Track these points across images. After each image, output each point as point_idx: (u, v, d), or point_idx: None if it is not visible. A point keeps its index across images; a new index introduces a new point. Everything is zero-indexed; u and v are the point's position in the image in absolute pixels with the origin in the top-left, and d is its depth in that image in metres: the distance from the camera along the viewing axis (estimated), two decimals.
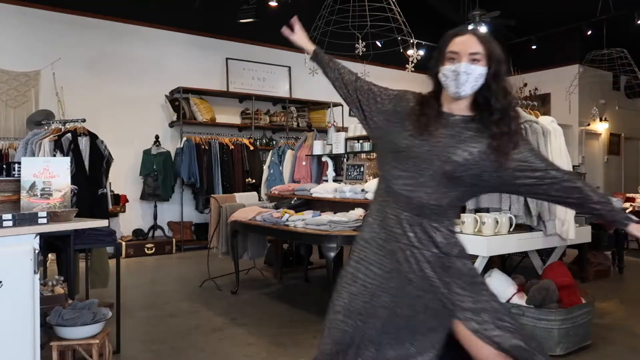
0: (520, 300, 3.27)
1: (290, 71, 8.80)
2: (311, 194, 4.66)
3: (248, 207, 4.86)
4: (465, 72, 1.55)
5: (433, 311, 1.62)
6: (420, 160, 1.59)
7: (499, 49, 1.59)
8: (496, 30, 9.03)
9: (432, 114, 1.61)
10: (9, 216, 2.11)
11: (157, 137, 7.32)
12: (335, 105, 8.68)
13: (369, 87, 1.79)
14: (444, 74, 1.58)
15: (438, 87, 1.64)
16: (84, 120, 4.31)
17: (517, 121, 1.61)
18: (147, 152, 7.23)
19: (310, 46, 1.94)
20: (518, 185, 1.64)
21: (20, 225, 2.13)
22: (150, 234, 7.32)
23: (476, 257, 3.18)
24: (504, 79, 1.60)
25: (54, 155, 3.88)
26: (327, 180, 5.32)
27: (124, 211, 7.07)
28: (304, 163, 6.06)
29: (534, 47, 9.50)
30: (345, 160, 5.39)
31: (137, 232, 7.18)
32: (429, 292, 1.61)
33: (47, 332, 2.54)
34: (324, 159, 5.60)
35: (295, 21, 1.96)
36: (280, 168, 6.51)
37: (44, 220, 2.24)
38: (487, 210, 3.40)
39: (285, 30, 1.96)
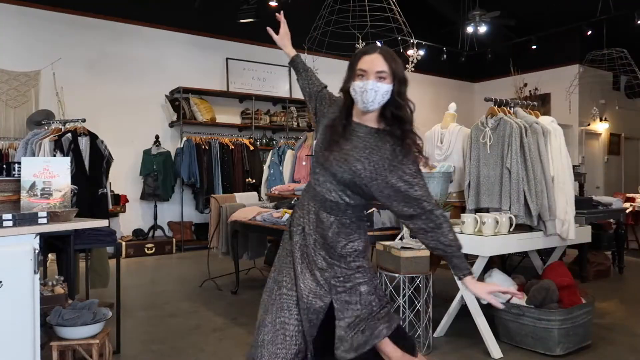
0: (520, 300, 3.27)
1: (291, 71, 8.77)
2: None
3: (248, 207, 4.85)
4: (373, 90, 1.73)
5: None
6: (324, 164, 1.81)
7: (402, 68, 1.79)
8: (496, 30, 9.04)
9: (340, 128, 1.82)
10: (9, 216, 2.11)
11: (157, 137, 7.32)
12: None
13: (327, 96, 2.06)
14: (353, 89, 1.76)
15: (351, 100, 1.81)
16: (84, 120, 4.32)
17: (414, 138, 1.79)
18: (147, 152, 7.23)
19: (291, 51, 2.19)
20: (392, 206, 1.81)
21: (20, 225, 2.13)
22: (151, 234, 7.32)
23: (476, 257, 3.18)
24: (406, 97, 1.80)
25: (54, 155, 3.88)
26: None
27: (124, 211, 7.08)
28: (304, 163, 6.06)
29: (534, 47, 9.50)
30: None
31: (137, 232, 7.18)
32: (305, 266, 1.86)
33: (47, 332, 2.54)
34: None
35: (282, 20, 2.18)
36: (281, 168, 6.51)
37: (44, 220, 2.24)
38: (487, 210, 3.41)
39: (269, 30, 2.10)
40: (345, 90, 1.82)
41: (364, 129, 1.81)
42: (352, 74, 1.78)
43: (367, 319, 1.80)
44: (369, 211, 3.67)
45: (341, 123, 1.83)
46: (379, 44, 7.18)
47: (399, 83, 1.76)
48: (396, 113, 1.78)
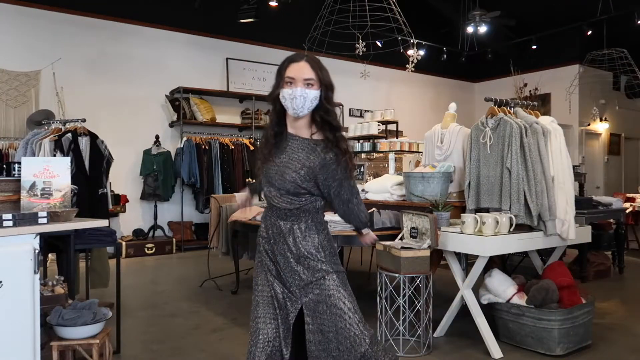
0: (520, 300, 3.27)
1: None
2: None
3: (248, 207, 4.84)
4: (302, 96, 1.81)
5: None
6: (270, 178, 1.89)
7: (328, 75, 1.88)
8: (496, 30, 9.04)
9: (272, 136, 1.91)
10: (9, 216, 2.11)
11: (157, 137, 7.32)
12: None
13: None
14: (283, 96, 1.84)
15: (281, 107, 1.88)
16: (84, 120, 4.32)
17: (345, 141, 1.90)
18: (147, 152, 7.23)
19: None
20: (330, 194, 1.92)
21: (21, 225, 2.13)
22: (151, 234, 7.32)
23: (476, 257, 3.18)
24: (334, 102, 1.90)
25: (54, 155, 3.88)
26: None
27: (124, 211, 7.08)
28: None
29: (534, 47, 9.50)
30: None
31: (137, 232, 7.19)
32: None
33: (48, 332, 2.54)
34: None
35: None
36: None
37: (44, 220, 2.24)
38: (487, 211, 3.40)
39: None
40: (274, 96, 1.88)
41: (298, 141, 1.88)
42: (280, 82, 1.86)
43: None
44: (369, 211, 3.67)
45: (272, 130, 1.91)
46: (379, 44, 7.19)
47: (326, 89, 1.85)
48: (325, 118, 1.86)
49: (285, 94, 1.82)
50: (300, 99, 1.80)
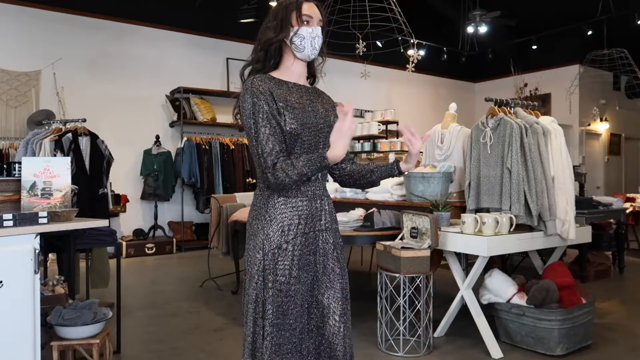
0: (520, 300, 3.27)
1: None
2: None
3: (248, 207, 4.85)
4: (319, 36, 1.65)
5: None
6: (319, 140, 1.67)
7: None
8: (496, 31, 9.04)
9: (292, 91, 1.65)
10: (10, 216, 2.11)
11: (157, 137, 7.33)
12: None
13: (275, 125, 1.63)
14: (300, 36, 1.63)
15: (277, 58, 1.67)
16: (84, 120, 4.32)
17: None
18: (147, 152, 7.23)
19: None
20: None
21: (21, 225, 2.13)
22: (151, 234, 7.33)
23: (476, 257, 3.18)
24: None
25: (55, 155, 3.88)
26: (327, 180, 5.32)
27: (125, 211, 7.08)
28: None
29: (534, 47, 9.50)
30: None
31: (138, 232, 7.19)
32: None
33: (48, 332, 2.54)
34: None
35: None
36: None
37: (45, 220, 2.24)
38: (487, 211, 3.41)
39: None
40: (279, 40, 1.64)
41: (304, 88, 1.70)
42: (290, 20, 1.64)
43: None
44: (369, 211, 3.67)
45: (290, 88, 1.66)
46: (379, 44, 7.20)
47: (323, 34, 1.71)
48: (315, 67, 1.77)
49: (305, 32, 1.63)
50: (320, 38, 1.66)
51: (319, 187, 1.71)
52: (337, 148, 1.51)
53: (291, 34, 1.63)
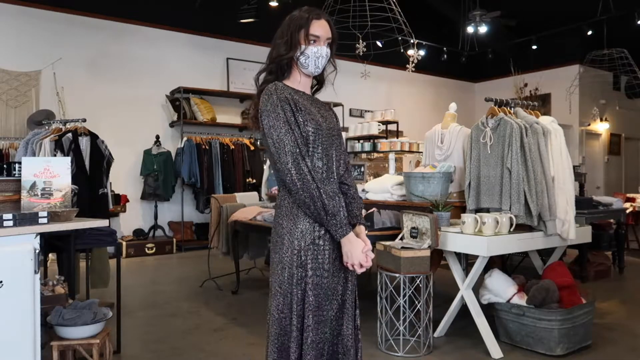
0: (520, 300, 3.27)
1: None
2: None
3: (248, 207, 4.86)
4: (326, 55, 1.76)
5: None
6: (336, 148, 1.79)
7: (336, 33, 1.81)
8: (496, 31, 9.04)
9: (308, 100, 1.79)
10: (10, 216, 2.11)
11: (157, 137, 7.33)
12: (336, 105, 8.69)
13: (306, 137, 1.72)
14: (306, 55, 1.73)
15: (288, 71, 1.77)
16: (84, 120, 4.32)
17: None
18: (147, 152, 7.23)
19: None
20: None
21: (21, 225, 2.13)
22: (151, 234, 7.33)
23: (476, 257, 3.18)
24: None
25: (55, 155, 3.88)
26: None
27: (125, 211, 7.08)
28: None
29: (534, 47, 9.50)
30: None
31: (138, 232, 7.19)
32: None
33: (48, 332, 2.54)
34: None
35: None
36: None
37: (45, 220, 2.24)
38: (487, 210, 3.41)
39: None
40: (289, 57, 1.74)
41: (311, 98, 1.83)
42: (298, 38, 1.71)
43: None
44: (369, 211, 3.68)
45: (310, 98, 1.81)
46: (379, 44, 7.19)
47: (334, 47, 1.80)
48: (324, 75, 1.86)
49: (310, 52, 1.73)
50: (324, 58, 1.75)
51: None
52: (348, 248, 1.64)
53: (298, 52, 1.73)
